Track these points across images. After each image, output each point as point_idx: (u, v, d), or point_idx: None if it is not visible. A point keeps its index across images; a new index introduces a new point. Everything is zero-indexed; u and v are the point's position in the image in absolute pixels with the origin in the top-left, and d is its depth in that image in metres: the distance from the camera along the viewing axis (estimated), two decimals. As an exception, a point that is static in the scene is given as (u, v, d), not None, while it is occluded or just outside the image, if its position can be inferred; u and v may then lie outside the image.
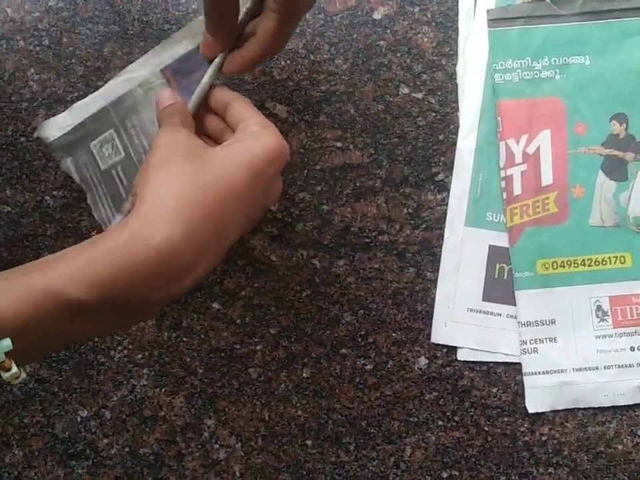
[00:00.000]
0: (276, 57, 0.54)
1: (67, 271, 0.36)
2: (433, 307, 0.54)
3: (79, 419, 0.55)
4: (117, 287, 0.36)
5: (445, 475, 0.54)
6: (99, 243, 0.37)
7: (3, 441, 0.55)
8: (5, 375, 0.35)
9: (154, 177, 0.40)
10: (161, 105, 0.45)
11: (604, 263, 0.53)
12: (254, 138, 0.42)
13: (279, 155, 0.42)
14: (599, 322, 0.53)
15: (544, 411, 0.53)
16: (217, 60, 0.46)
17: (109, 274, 0.36)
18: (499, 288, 0.54)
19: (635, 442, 0.53)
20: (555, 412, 0.53)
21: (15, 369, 0.35)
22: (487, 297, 0.54)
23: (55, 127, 0.49)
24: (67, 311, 0.36)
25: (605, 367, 0.53)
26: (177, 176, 0.39)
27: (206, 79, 0.46)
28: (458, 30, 0.54)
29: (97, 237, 0.38)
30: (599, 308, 0.53)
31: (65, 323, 0.36)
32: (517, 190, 0.53)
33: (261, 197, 0.42)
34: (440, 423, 0.54)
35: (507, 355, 0.53)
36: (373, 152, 0.54)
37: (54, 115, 0.49)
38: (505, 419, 0.54)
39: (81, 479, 0.55)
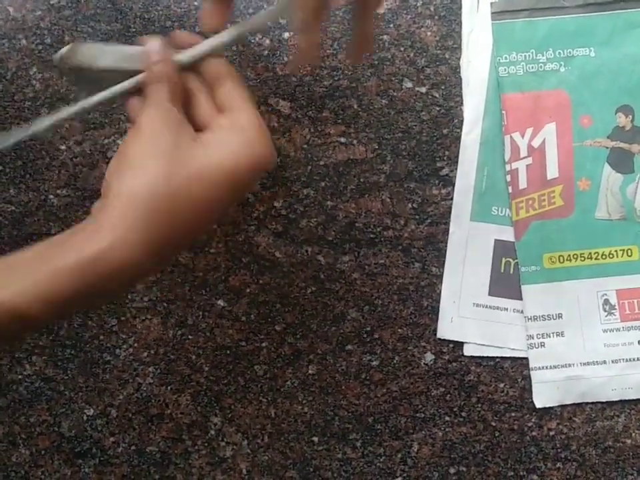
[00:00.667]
0: (278, 52, 0.54)
1: (28, 287, 0.36)
2: (439, 302, 0.54)
3: (85, 418, 0.55)
4: (76, 300, 0.37)
5: (452, 470, 0.54)
6: (63, 255, 0.37)
7: (9, 440, 0.55)
8: None
9: (130, 173, 0.38)
10: (151, 57, 0.41)
11: (611, 256, 0.53)
12: (245, 144, 0.40)
13: (266, 165, 0.41)
14: (606, 316, 0.53)
15: (552, 405, 0.53)
16: (240, 28, 0.43)
17: (71, 290, 0.37)
18: (505, 282, 0.53)
19: (643, 436, 0.53)
20: (562, 406, 0.53)
21: None
22: (493, 291, 0.53)
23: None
24: (25, 325, 0.37)
25: (612, 361, 0.53)
26: (155, 181, 0.38)
27: (221, 39, 0.42)
28: (461, 23, 0.54)
29: (60, 240, 0.38)
30: (606, 302, 0.53)
31: (21, 332, 0.38)
32: (523, 184, 0.53)
33: (234, 201, 0.43)
34: (447, 418, 0.54)
35: (513, 349, 0.53)
36: (377, 147, 0.54)
37: (56, 114, 0.46)
38: (513, 414, 0.53)
39: (88, 478, 0.55)
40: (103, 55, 0.43)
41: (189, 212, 0.38)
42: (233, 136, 0.40)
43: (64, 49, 0.43)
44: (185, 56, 0.43)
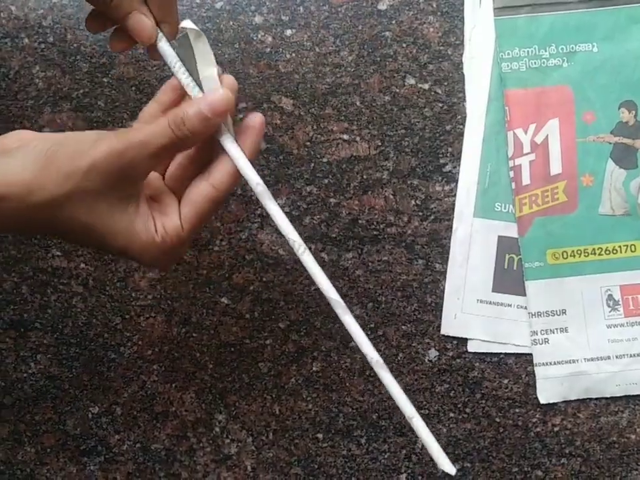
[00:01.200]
0: (281, 49, 0.54)
1: None
2: (443, 299, 0.54)
3: (90, 416, 0.55)
4: None
5: (457, 466, 0.53)
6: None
7: (15, 439, 0.55)
8: None
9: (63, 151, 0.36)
10: (212, 108, 0.38)
11: (614, 251, 0.53)
12: (146, 249, 0.39)
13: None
14: (610, 311, 0.53)
15: (556, 401, 0.53)
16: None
17: None
18: (509, 279, 0.53)
19: (648, 431, 0.53)
20: (567, 402, 0.53)
21: None
22: (497, 287, 0.53)
23: None
24: None
25: (616, 357, 0.53)
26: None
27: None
28: (464, 19, 0.54)
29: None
30: (610, 297, 0.53)
31: None
32: (526, 180, 0.53)
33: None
34: (451, 415, 0.54)
35: (517, 345, 0.53)
36: (380, 144, 0.54)
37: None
38: (517, 410, 0.53)
39: (93, 476, 0.55)
40: (200, 55, 0.40)
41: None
42: (148, 237, 0.39)
43: (185, 31, 0.39)
44: (226, 141, 0.40)
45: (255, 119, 0.40)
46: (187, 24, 0.39)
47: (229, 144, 0.40)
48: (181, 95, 0.41)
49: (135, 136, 0.37)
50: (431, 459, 0.53)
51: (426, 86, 0.54)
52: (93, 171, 0.36)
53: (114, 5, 0.40)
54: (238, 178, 0.40)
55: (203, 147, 0.41)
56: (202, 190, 0.40)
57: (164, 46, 0.41)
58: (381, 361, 0.40)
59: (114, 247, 0.39)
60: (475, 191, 0.53)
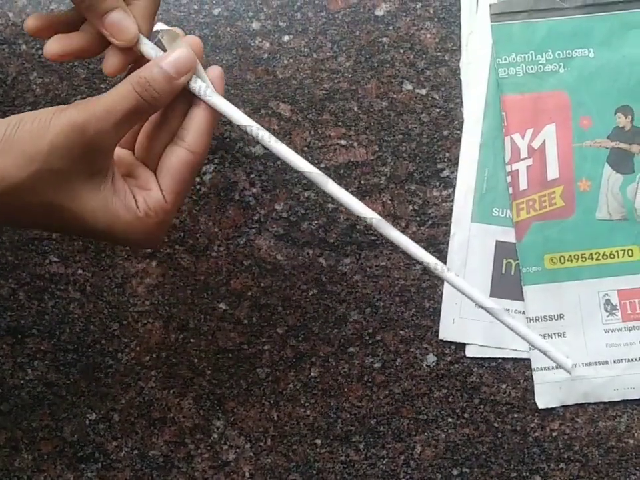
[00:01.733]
0: (278, 55, 0.54)
1: None
2: (441, 304, 0.54)
3: (87, 422, 0.55)
4: None
5: (455, 472, 0.54)
6: None
7: (12, 446, 0.55)
8: None
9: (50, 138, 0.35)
10: (175, 66, 0.37)
11: (612, 256, 0.53)
12: (131, 228, 0.37)
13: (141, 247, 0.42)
14: (607, 316, 0.53)
15: (554, 406, 0.53)
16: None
17: None
18: (507, 283, 0.53)
19: (646, 436, 0.53)
20: (565, 407, 0.53)
21: None
22: (495, 292, 0.53)
23: None
24: None
25: (614, 361, 0.53)
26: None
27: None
28: (461, 25, 0.54)
29: None
30: (607, 302, 0.53)
31: None
32: (523, 185, 0.53)
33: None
34: (449, 420, 0.54)
35: (515, 350, 0.53)
36: (378, 149, 0.54)
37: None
38: (515, 415, 0.53)
39: (91, 482, 0.55)
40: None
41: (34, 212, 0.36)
42: (143, 212, 0.38)
43: (158, 37, 0.39)
44: (203, 91, 0.38)
45: (215, 72, 0.39)
46: (160, 26, 0.38)
47: (211, 96, 0.38)
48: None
49: (96, 106, 0.36)
50: (430, 465, 0.54)
51: (423, 91, 0.54)
52: (56, 149, 0.35)
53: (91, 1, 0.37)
54: (211, 135, 0.39)
55: (167, 110, 0.39)
56: (178, 156, 0.38)
57: (148, 47, 0.39)
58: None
59: (97, 230, 0.37)
60: (473, 196, 0.54)
